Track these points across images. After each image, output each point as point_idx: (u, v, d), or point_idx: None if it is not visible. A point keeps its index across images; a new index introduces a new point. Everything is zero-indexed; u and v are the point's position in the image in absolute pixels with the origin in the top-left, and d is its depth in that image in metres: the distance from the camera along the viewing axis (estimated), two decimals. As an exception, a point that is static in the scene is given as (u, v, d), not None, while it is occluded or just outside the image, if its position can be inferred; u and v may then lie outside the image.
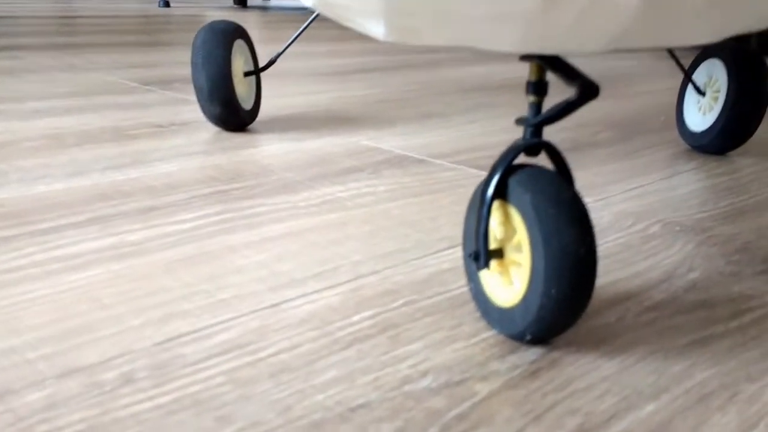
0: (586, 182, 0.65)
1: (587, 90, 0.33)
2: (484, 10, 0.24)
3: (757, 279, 0.45)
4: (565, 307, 0.33)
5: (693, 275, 0.45)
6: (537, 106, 0.35)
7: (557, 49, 0.28)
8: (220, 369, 0.33)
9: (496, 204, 0.37)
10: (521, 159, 0.65)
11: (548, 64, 0.33)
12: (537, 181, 0.34)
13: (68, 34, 1.86)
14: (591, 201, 0.60)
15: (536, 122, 0.35)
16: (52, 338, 0.35)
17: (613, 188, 0.64)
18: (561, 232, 0.32)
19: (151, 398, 0.31)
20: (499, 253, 0.37)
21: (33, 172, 0.63)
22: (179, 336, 0.36)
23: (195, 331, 0.36)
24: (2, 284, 0.41)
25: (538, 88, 0.35)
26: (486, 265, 0.36)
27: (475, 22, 0.26)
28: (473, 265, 0.38)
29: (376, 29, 0.31)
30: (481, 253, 0.36)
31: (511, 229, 0.36)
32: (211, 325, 0.37)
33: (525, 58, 0.34)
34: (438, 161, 0.71)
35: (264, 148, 0.73)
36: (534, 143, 0.35)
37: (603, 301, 0.42)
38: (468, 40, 0.30)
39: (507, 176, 0.35)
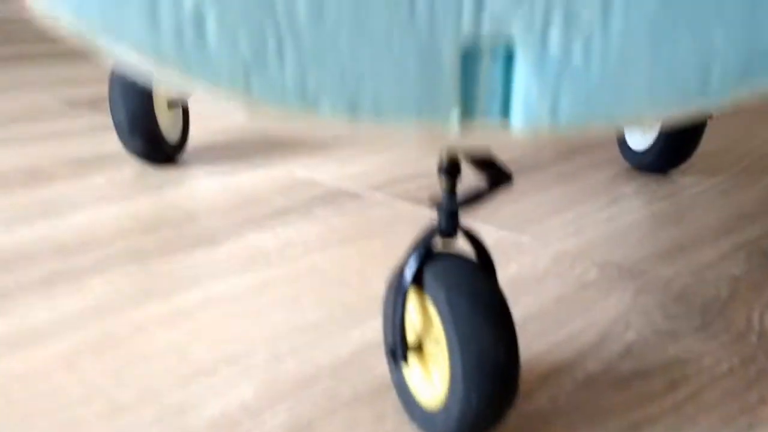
0: (526, 216, 0.63)
1: (500, 178, 0.30)
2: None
3: (693, 337, 0.43)
4: (486, 414, 0.31)
5: (629, 336, 0.44)
6: (452, 188, 0.33)
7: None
8: (109, 503, 0.30)
9: (413, 291, 0.34)
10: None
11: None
12: (453, 274, 0.31)
13: (1, 44, 1.78)
14: (529, 239, 0.58)
15: (451, 209, 0.32)
16: (-77, 469, 0.31)
17: (550, 222, 0.62)
18: (478, 334, 0.30)
19: None
20: (417, 347, 0.34)
21: (-67, 230, 0.58)
22: (69, 457, 0.32)
23: (87, 449, 0.33)
24: None
25: (452, 169, 0.32)
26: (404, 360, 0.33)
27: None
28: (393, 359, 0.35)
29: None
30: (398, 348, 0.33)
31: (429, 321, 0.33)
32: (107, 439, 0.34)
33: (436, 140, 0.32)
34: (373, 194, 0.68)
35: (190, 187, 0.70)
36: (450, 230, 0.33)
37: (536, 377, 0.39)
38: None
39: (424, 264, 0.33)
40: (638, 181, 0.73)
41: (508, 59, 0.19)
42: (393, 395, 0.37)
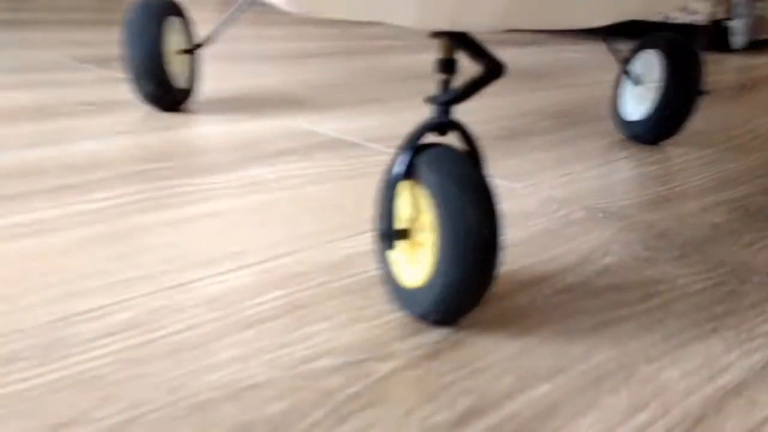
0: (518, 169, 0.66)
1: (493, 68, 0.33)
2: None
3: (670, 264, 0.46)
4: (467, 288, 0.33)
5: (607, 260, 0.46)
6: (446, 84, 0.35)
7: (452, 26, 0.27)
8: (112, 348, 0.32)
9: (405, 184, 0.36)
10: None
11: (456, 41, 0.33)
12: (444, 161, 0.34)
13: (13, 11, 1.81)
14: (520, 187, 0.60)
15: (445, 100, 0.35)
16: (-61, 316, 0.34)
17: (543, 175, 0.64)
18: (465, 213, 0.32)
19: (36, 376, 0.29)
20: (405, 234, 0.36)
21: (-51, 147, 0.60)
22: (76, 314, 0.35)
23: (93, 310, 0.35)
24: None
25: (448, 65, 0.35)
26: (390, 245, 0.36)
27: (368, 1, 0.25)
28: (382, 245, 0.38)
29: (276, 0, 0.30)
30: (388, 232, 0.36)
31: (419, 210, 0.36)
32: (112, 304, 0.36)
33: (435, 35, 0.34)
34: (372, 145, 0.71)
35: (198, 129, 0.72)
36: (443, 122, 0.35)
37: (517, 284, 0.42)
38: (369, 16, 0.29)
39: (415, 155, 0.35)
40: (630, 150, 0.76)
41: None
42: (380, 289, 0.40)
